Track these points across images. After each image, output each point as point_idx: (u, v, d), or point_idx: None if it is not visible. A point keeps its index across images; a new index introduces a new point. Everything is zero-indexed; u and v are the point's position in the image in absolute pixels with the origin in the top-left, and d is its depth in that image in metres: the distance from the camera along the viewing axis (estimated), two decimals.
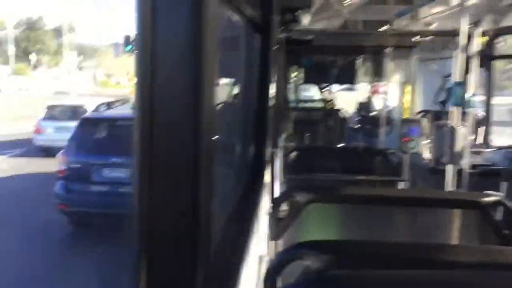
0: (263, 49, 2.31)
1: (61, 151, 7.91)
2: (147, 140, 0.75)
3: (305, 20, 3.30)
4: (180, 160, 0.77)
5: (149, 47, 0.74)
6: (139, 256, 0.78)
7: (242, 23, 2.07)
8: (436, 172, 4.37)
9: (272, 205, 2.05)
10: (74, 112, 14.69)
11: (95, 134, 8.00)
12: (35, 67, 54.47)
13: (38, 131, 14.69)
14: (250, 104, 2.35)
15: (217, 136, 0.93)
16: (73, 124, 9.12)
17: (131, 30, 0.77)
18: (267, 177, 2.80)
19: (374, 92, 10.30)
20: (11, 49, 50.85)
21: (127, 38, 17.44)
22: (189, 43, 0.74)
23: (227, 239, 1.48)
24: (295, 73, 10.55)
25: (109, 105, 12.82)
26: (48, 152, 13.76)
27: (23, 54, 53.46)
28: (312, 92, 13.81)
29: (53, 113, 15.09)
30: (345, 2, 4.87)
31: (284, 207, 2.03)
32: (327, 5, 4.83)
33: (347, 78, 9.54)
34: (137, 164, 0.77)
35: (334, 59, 9.25)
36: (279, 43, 3.33)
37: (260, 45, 2.32)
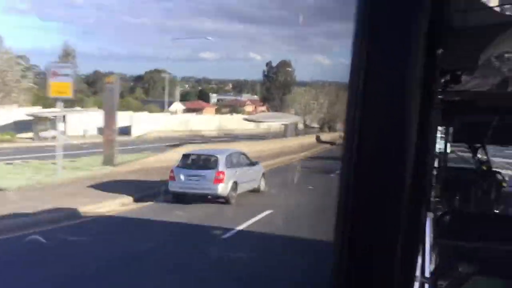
0: (423, 112, 2.28)
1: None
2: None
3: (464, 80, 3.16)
4: None
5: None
6: None
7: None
8: None
9: (432, 273, 1.96)
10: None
11: None
12: None
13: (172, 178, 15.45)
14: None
15: None
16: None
17: None
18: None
19: None
20: None
21: None
22: None
23: None
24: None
25: None
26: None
27: None
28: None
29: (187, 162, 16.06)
30: (508, 58, 4.57)
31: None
32: (486, 62, 4.56)
33: (505, 138, 8.78)
34: None
35: (489, 118, 8.61)
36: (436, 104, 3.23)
37: (419, 108, 2.27)
